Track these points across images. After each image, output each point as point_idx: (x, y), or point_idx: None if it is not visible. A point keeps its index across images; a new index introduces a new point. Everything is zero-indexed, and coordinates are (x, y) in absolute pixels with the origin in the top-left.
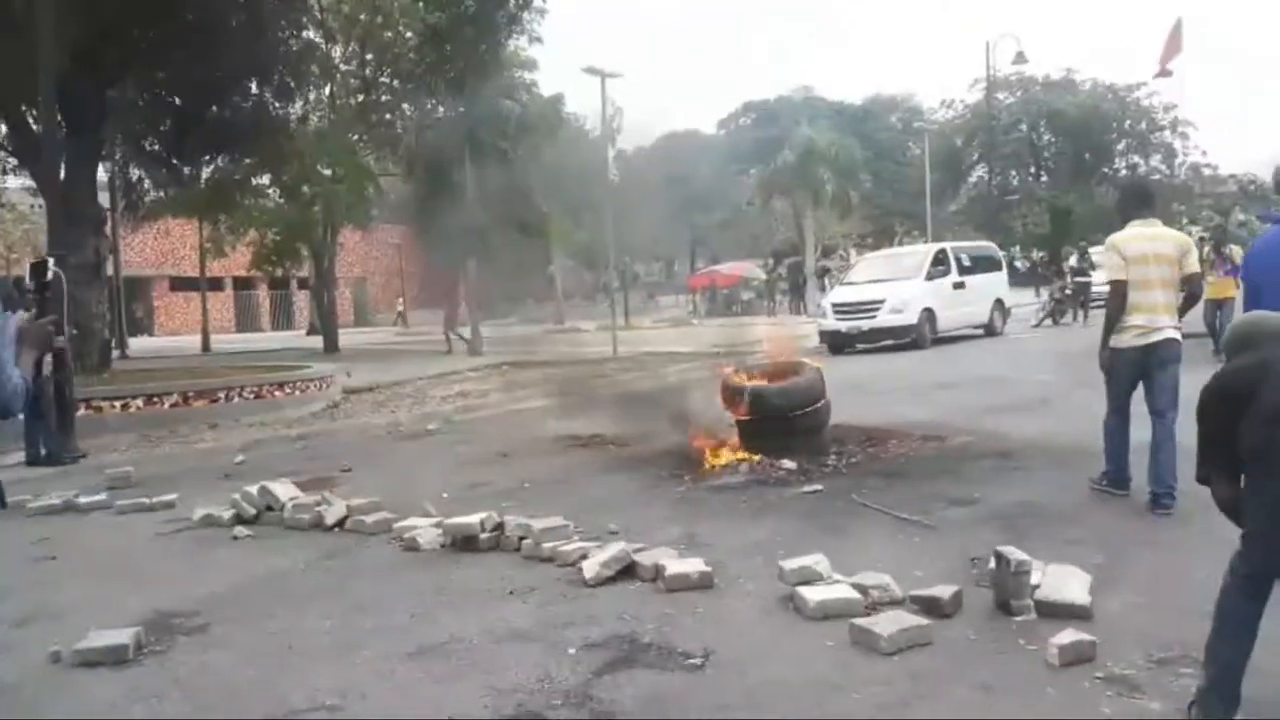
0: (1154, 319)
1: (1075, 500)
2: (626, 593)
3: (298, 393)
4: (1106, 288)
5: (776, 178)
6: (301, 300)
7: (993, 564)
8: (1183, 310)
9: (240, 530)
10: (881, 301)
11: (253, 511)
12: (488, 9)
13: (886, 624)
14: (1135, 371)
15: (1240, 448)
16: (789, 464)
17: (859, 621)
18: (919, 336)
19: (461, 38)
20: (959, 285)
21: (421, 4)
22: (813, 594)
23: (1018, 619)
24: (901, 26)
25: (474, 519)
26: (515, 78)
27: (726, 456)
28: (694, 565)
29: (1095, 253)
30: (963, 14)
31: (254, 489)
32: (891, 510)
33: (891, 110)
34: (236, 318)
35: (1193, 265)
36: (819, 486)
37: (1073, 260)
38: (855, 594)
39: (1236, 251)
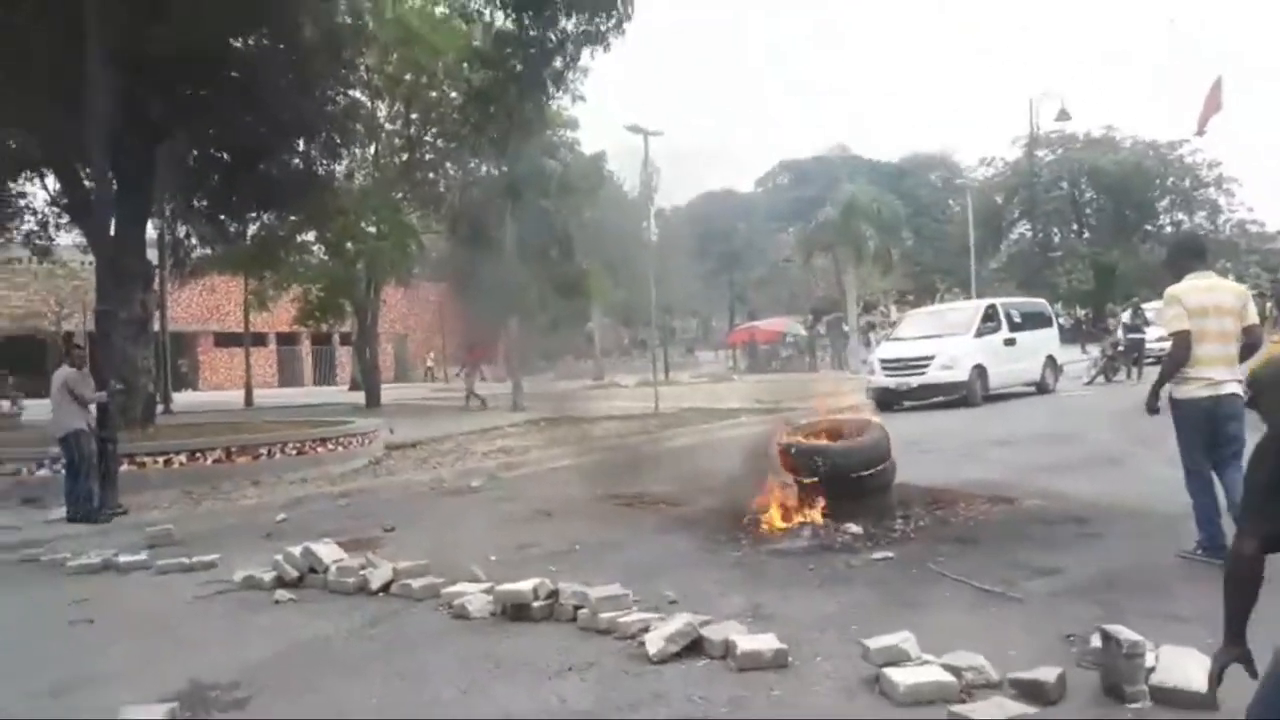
0: (1215, 371)
1: (1167, 571)
2: (694, 671)
3: (340, 449)
4: (1165, 343)
5: (818, 234)
6: (344, 356)
7: (1097, 642)
8: (1242, 357)
9: (282, 594)
10: (931, 358)
11: (295, 574)
12: (533, 69)
13: (986, 711)
14: (1204, 423)
15: None
16: (854, 528)
17: (957, 709)
18: (970, 393)
19: (505, 97)
20: (1010, 341)
21: (466, 65)
22: (902, 676)
23: (1131, 706)
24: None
25: (526, 585)
26: (558, 136)
27: (787, 519)
28: (767, 642)
29: (1149, 309)
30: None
31: (297, 550)
32: (971, 580)
33: (930, 168)
34: (279, 372)
35: (1253, 316)
36: (890, 553)
37: (1126, 316)
38: (949, 677)
39: None
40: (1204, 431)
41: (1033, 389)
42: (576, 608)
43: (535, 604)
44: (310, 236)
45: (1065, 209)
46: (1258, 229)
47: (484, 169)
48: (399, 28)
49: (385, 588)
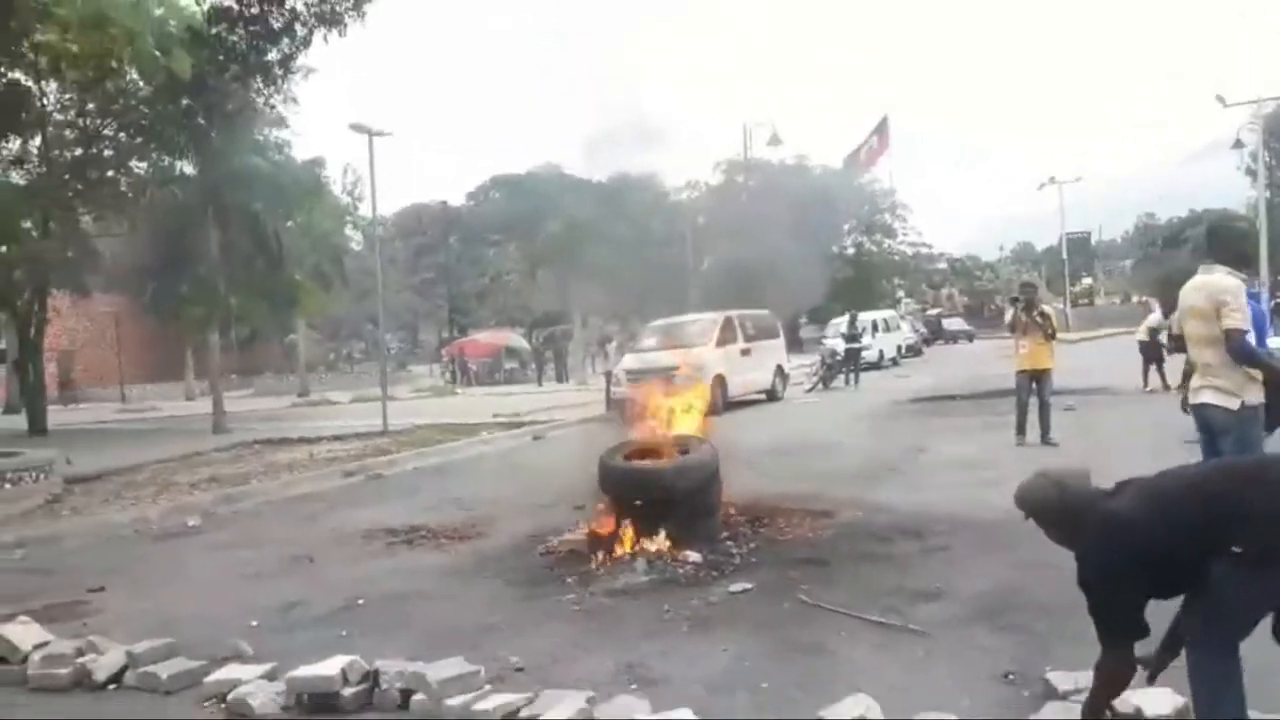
0: (1195, 379)
1: (1045, 587)
2: None
3: (7, 485)
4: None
5: (541, 248)
6: None
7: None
8: None
9: None
10: (676, 368)
11: None
12: (253, 52)
13: None
14: (1201, 430)
15: None
16: (694, 556)
17: None
18: (713, 402)
19: (207, 89)
20: (745, 352)
21: (160, 54)
22: None
23: None
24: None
25: (331, 668)
26: (267, 136)
27: (614, 549)
28: None
29: (863, 319)
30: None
31: None
32: (855, 613)
33: (640, 189)
34: None
35: (1227, 319)
36: (747, 584)
37: (843, 326)
38: None
39: (1050, 313)
40: (1203, 440)
41: (764, 397)
42: (405, 692)
43: (346, 692)
44: None
45: (764, 229)
46: (926, 250)
47: (178, 168)
48: (90, 4)
49: (116, 679)
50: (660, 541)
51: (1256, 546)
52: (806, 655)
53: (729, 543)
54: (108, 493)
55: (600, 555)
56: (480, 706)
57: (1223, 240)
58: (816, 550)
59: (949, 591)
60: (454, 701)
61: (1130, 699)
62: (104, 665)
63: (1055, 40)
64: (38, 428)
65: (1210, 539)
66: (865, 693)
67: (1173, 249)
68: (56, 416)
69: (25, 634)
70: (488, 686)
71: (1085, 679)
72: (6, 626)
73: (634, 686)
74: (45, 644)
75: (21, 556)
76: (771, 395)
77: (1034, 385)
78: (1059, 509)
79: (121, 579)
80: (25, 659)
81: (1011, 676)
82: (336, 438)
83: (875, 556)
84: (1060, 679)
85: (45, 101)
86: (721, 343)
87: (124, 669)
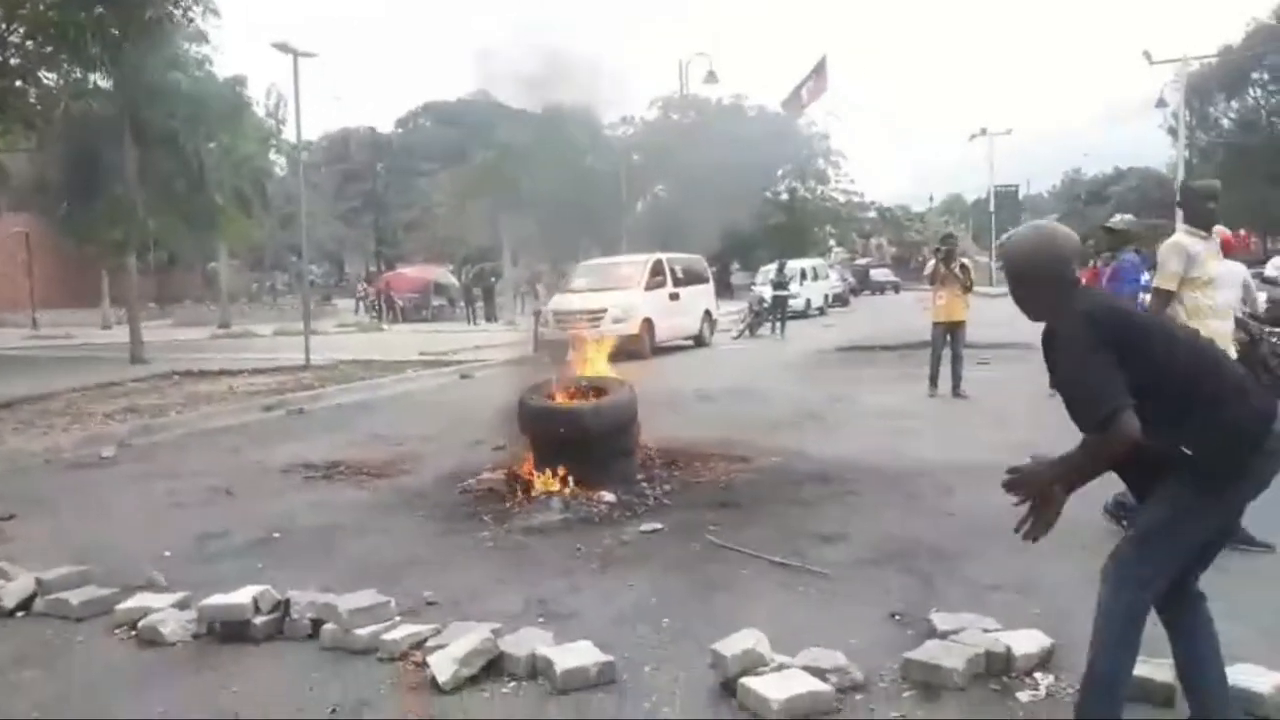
0: None
1: (949, 534)
2: (502, 699)
3: None
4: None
5: (472, 178)
6: None
7: (942, 624)
8: None
9: None
10: (604, 311)
11: None
12: None
13: None
14: None
15: None
16: (608, 496)
17: None
18: (640, 347)
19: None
20: (674, 296)
21: None
22: (769, 689)
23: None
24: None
25: (243, 597)
26: (186, 51)
27: (532, 488)
28: (587, 654)
29: (792, 267)
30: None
31: None
32: (761, 553)
33: (574, 121)
34: None
35: (1155, 278)
36: (658, 524)
37: (772, 273)
38: (821, 684)
39: (970, 266)
40: None
41: (692, 342)
42: (316, 622)
43: (257, 620)
44: None
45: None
46: (858, 199)
47: (92, 81)
48: None
49: (25, 605)
50: (575, 482)
51: (1205, 458)
52: (710, 593)
53: (645, 484)
54: (18, 421)
55: (518, 494)
56: (388, 637)
57: (1185, 201)
58: (730, 493)
59: (852, 535)
60: (363, 631)
61: (1001, 639)
62: (12, 591)
63: None
64: None
65: (1185, 391)
66: (758, 629)
67: (1096, 205)
68: None
69: None
70: (398, 618)
71: (967, 620)
72: None
73: (541, 620)
74: None
75: None
76: (699, 341)
77: (948, 337)
78: (1049, 265)
79: (33, 508)
80: None
81: (899, 616)
82: (258, 371)
83: (786, 500)
84: (942, 620)
85: None
86: (650, 287)
87: (33, 596)
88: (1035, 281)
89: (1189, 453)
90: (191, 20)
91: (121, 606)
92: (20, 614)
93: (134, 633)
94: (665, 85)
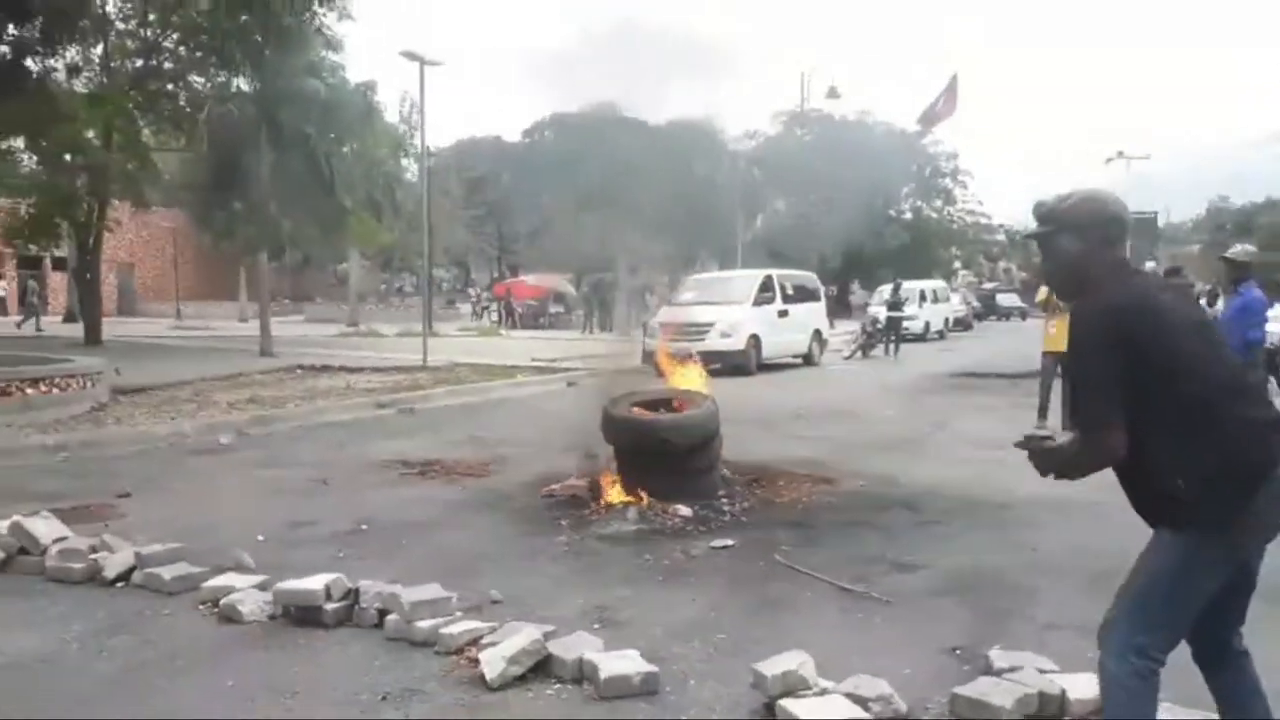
0: None
1: (1024, 571)
2: (546, 700)
3: (56, 391)
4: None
5: (591, 191)
6: (56, 283)
7: (1001, 662)
8: None
9: None
10: (711, 324)
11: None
12: None
13: None
14: None
15: None
16: (684, 510)
17: None
18: (745, 362)
19: (261, 4)
20: (783, 313)
21: None
22: (807, 713)
23: None
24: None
25: (316, 583)
26: (321, 57)
27: (610, 497)
28: (632, 664)
29: (908, 287)
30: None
31: (2, 525)
32: (826, 577)
33: (696, 132)
34: None
35: None
36: (729, 541)
37: (887, 294)
38: (862, 712)
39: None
40: None
41: (800, 361)
42: (382, 611)
43: (328, 606)
44: (19, 143)
45: (821, 188)
46: (985, 221)
47: (235, 85)
48: None
49: (125, 577)
50: (653, 494)
51: (1203, 495)
52: (769, 612)
53: (724, 500)
54: (150, 405)
55: (598, 502)
56: (447, 631)
57: None
58: (808, 515)
59: (926, 564)
60: (424, 624)
61: (1056, 680)
62: (114, 563)
63: (1131, 6)
64: (93, 338)
65: (1197, 406)
66: (810, 651)
67: (1243, 237)
68: (113, 329)
69: (46, 528)
70: (459, 613)
71: (1026, 659)
72: (29, 520)
73: (597, 626)
74: (63, 539)
75: (63, 459)
76: (808, 360)
77: (1060, 368)
78: (1090, 224)
79: (149, 487)
80: (45, 551)
81: (959, 650)
82: (376, 369)
83: (864, 525)
84: (1001, 657)
85: (106, 9)
86: (759, 302)
87: (132, 569)
88: (1069, 246)
89: (1182, 484)
90: (328, 29)
91: (208, 584)
92: (120, 584)
93: (216, 609)
94: (788, 99)
